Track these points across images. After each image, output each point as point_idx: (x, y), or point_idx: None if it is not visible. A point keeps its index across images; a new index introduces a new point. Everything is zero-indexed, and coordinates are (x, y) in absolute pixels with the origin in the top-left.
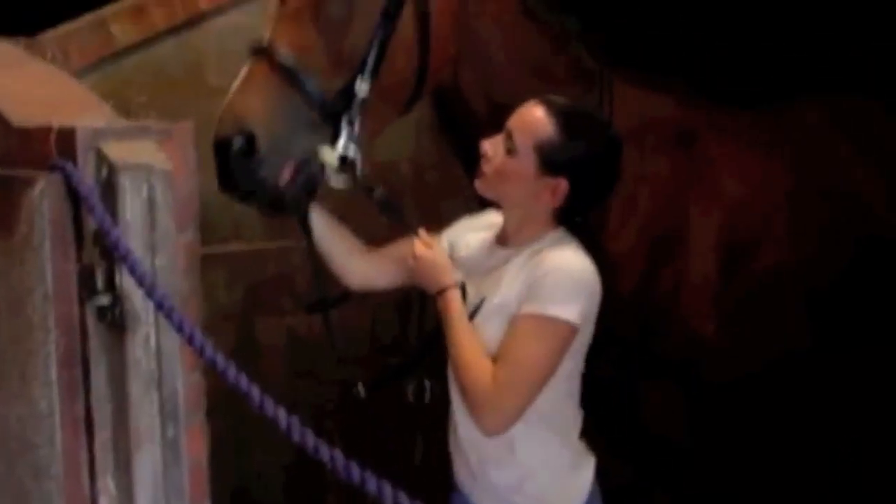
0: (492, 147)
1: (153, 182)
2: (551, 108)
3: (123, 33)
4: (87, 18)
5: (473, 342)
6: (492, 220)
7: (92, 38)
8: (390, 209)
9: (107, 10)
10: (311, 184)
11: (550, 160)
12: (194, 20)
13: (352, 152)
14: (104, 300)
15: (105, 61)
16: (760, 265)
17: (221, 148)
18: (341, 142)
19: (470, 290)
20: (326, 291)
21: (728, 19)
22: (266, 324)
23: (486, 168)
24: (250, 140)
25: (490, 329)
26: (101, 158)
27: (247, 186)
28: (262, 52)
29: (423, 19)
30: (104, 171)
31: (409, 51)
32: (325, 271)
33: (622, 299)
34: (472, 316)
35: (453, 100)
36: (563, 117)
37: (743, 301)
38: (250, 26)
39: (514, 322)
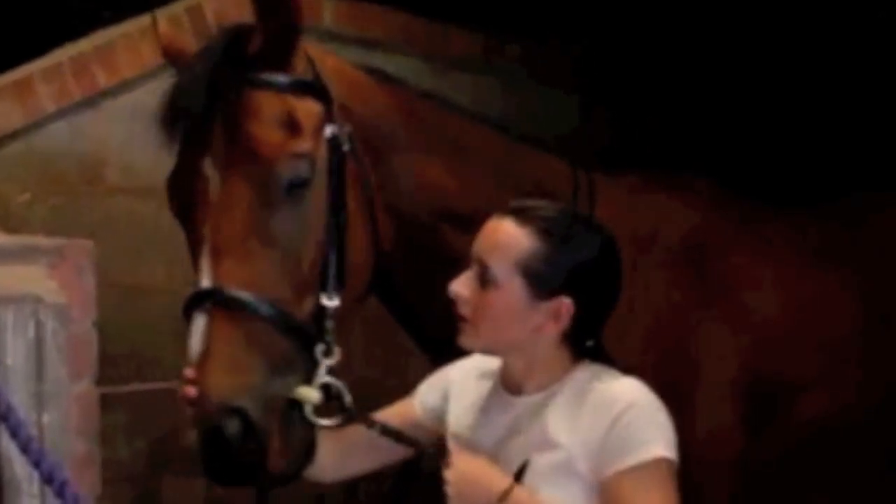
0: (464, 286)
1: (42, 318)
2: (522, 216)
3: (2, 116)
4: None
5: None
6: (481, 365)
7: None
8: (393, 436)
9: None
10: (307, 436)
11: (542, 279)
12: (91, 100)
13: (333, 379)
14: None
15: None
16: (804, 414)
17: (213, 439)
18: (321, 370)
19: (497, 454)
20: None
21: (760, 92)
22: (177, 486)
23: (465, 313)
24: (243, 417)
25: (549, 491)
26: None
27: (252, 471)
28: (209, 298)
29: (367, 197)
30: None
31: (363, 236)
32: None
33: None
34: (516, 480)
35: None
36: (541, 222)
37: (778, 461)
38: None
39: (607, 489)
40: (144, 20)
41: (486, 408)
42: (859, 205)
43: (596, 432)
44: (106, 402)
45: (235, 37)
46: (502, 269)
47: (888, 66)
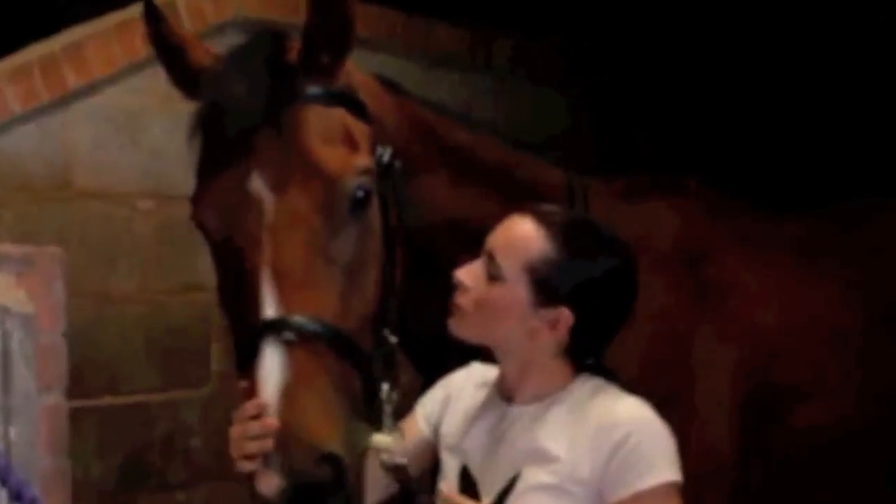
0: (469, 276)
1: (9, 328)
2: (543, 220)
3: None
4: None
5: None
6: (487, 373)
7: None
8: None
9: None
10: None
11: (548, 286)
12: (60, 101)
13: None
14: None
15: None
16: (803, 421)
17: (305, 488)
18: (388, 411)
19: (485, 463)
20: None
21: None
22: (151, 502)
23: (463, 301)
24: (336, 465)
25: None
26: None
27: None
28: (285, 328)
29: (400, 218)
30: None
31: (401, 261)
32: None
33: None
34: (503, 495)
35: None
36: (560, 229)
37: (777, 470)
38: (132, 109)
39: None
40: (116, 17)
41: (478, 414)
42: (857, 209)
43: (598, 454)
44: (76, 416)
45: (276, 44)
46: (511, 267)
47: (888, 69)
